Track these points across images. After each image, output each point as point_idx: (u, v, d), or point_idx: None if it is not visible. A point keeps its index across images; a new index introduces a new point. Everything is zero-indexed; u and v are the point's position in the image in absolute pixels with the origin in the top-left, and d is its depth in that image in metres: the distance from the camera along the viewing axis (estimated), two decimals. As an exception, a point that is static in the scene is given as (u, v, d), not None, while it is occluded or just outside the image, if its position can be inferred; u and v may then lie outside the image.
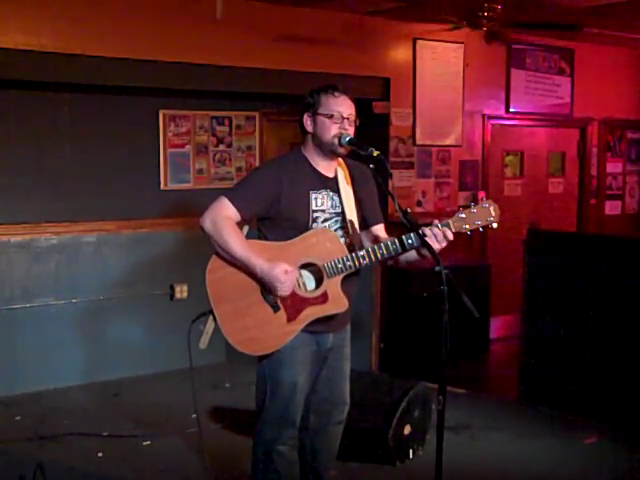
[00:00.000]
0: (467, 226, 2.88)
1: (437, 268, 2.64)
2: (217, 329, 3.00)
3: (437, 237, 2.86)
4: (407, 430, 4.20)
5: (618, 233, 7.68)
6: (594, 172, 7.91)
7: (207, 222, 2.95)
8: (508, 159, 7.49)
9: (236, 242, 2.91)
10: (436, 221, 2.90)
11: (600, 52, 7.64)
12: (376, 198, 3.19)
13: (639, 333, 4.78)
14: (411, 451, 4.24)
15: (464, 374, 5.73)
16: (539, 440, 4.60)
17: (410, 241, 2.87)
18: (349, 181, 3.10)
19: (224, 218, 2.93)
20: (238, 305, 2.97)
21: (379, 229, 3.18)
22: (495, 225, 2.91)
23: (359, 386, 4.13)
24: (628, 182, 8.27)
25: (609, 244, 5.11)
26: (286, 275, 2.86)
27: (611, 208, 8.13)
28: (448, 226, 2.88)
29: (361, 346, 5.90)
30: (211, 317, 3.00)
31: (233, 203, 2.94)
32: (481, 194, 6.67)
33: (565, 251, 5.18)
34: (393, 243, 2.91)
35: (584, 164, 7.86)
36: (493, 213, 2.90)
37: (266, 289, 2.92)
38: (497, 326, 7.12)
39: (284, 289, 2.88)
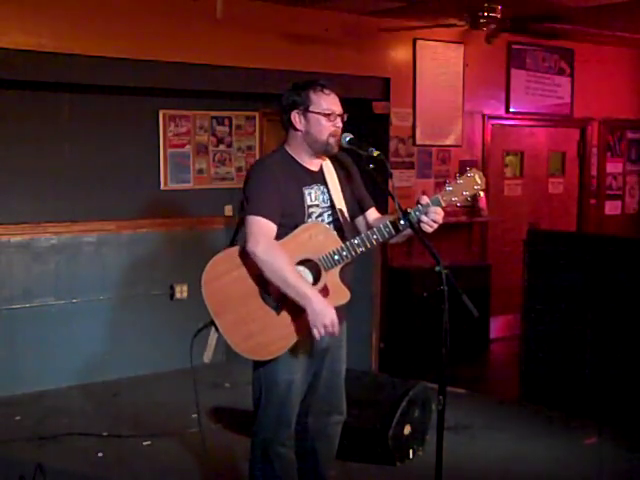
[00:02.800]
0: (456, 198, 2.88)
1: (437, 268, 2.64)
2: (220, 340, 2.98)
3: (435, 220, 2.85)
4: (407, 430, 4.20)
5: (618, 233, 7.67)
6: (594, 172, 7.90)
7: (260, 250, 2.84)
8: (508, 159, 7.49)
9: (289, 270, 2.85)
10: (425, 198, 2.88)
11: (600, 52, 7.64)
12: (361, 182, 3.19)
13: (639, 333, 4.78)
14: (411, 451, 4.24)
15: (464, 374, 5.73)
16: (539, 440, 4.61)
17: (402, 222, 2.86)
18: (334, 172, 3.09)
19: (273, 244, 2.87)
20: (239, 313, 2.95)
21: (372, 212, 3.18)
22: (482, 194, 2.92)
23: (359, 386, 4.14)
24: (628, 182, 8.26)
25: (609, 244, 5.11)
26: (333, 322, 2.83)
27: (611, 208, 8.12)
28: (438, 201, 2.86)
29: (361, 346, 5.91)
30: (213, 329, 2.98)
31: (265, 217, 2.88)
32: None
33: (565, 251, 5.18)
34: (386, 226, 2.90)
35: (584, 164, 7.85)
36: (479, 181, 2.89)
37: (307, 321, 2.85)
38: (497, 326, 7.12)
39: (320, 331, 2.83)
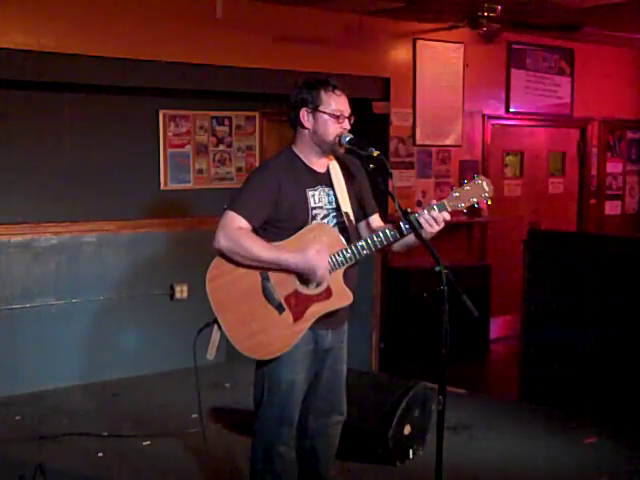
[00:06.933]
0: (462, 204, 2.90)
1: (437, 268, 2.64)
2: (223, 337, 2.98)
3: (436, 219, 2.86)
4: (407, 430, 4.20)
5: (618, 233, 7.68)
6: (594, 172, 7.91)
7: (222, 240, 2.89)
8: (508, 159, 7.49)
9: (258, 246, 2.87)
10: (434, 201, 2.91)
11: (600, 52, 7.64)
12: (369, 188, 3.19)
13: (639, 333, 4.78)
14: (411, 451, 4.24)
15: (464, 374, 5.73)
16: (539, 440, 4.60)
17: (407, 226, 2.87)
18: (341, 174, 3.09)
19: (236, 229, 2.89)
20: (242, 311, 2.95)
21: (375, 219, 3.18)
22: (490, 202, 2.93)
23: (359, 386, 4.13)
24: (628, 182, 8.27)
25: (609, 244, 5.11)
26: (319, 254, 2.85)
27: (611, 208, 8.13)
28: (444, 206, 2.88)
29: (361, 346, 5.90)
30: (216, 326, 2.98)
31: (240, 214, 2.90)
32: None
33: (565, 251, 5.18)
34: (391, 230, 2.92)
35: (584, 164, 7.86)
36: (487, 188, 2.91)
37: (302, 279, 2.90)
38: (497, 326, 7.12)
39: (322, 271, 2.86)
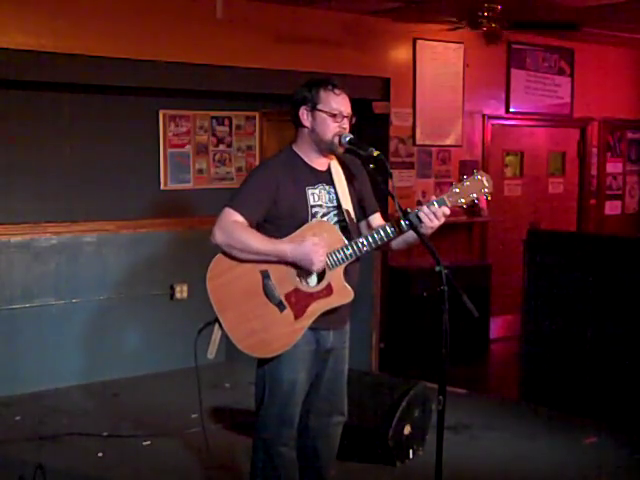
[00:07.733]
0: (462, 200, 2.90)
1: (437, 268, 2.64)
2: (224, 336, 2.98)
3: (436, 214, 2.86)
4: (407, 430, 4.20)
5: (618, 233, 7.68)
6: (594, 172, 7.91)
7: (217, 234, 2.91)
8: (508, 159, 7.50)
9: (254, 238, 2.89)
10: (433, 197, 2.91)
11: (600, 52, 7.64)
12: (370, 187, 3.19)
13: (639, 333, 4.78)
14: (411, 451, 4.24)
15: (464, 374, 5.73)
16: (539, 440, 4.60)
17: (407, 222, 2.87)
18: (342, 173, 3.10)
19: (231, 222, 2.90)
20: (243, 309, 2.95)
21: (377, 218, 3.18)
22: (489, 197, 2.92)
23: (359, 386, 4.13)
24: (628, 182, 8.27)
25: (609, 244, 5.11)
26: (317, 246, 2.85)
27: (611, 208, 8.13)
28: (444, 202, 2.88)
29: (361, 346, 5.91)
30: (217, 325, 2.98)
31: (237, 211, 2.92)
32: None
33: (565, 251, 5.18)
34: (391, 226, 2.92)
35: (584, 164, 7.86)
36: (486, 184, 2.90)
37: (302, 271, 2.90)
38: (497, 326, 7.12)
39: (320, 260, 2.86)
